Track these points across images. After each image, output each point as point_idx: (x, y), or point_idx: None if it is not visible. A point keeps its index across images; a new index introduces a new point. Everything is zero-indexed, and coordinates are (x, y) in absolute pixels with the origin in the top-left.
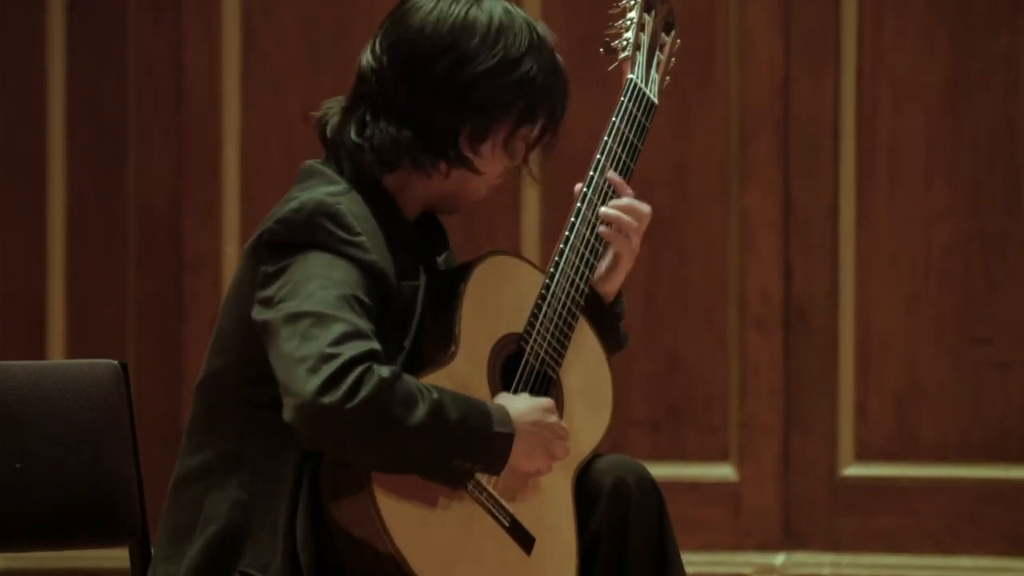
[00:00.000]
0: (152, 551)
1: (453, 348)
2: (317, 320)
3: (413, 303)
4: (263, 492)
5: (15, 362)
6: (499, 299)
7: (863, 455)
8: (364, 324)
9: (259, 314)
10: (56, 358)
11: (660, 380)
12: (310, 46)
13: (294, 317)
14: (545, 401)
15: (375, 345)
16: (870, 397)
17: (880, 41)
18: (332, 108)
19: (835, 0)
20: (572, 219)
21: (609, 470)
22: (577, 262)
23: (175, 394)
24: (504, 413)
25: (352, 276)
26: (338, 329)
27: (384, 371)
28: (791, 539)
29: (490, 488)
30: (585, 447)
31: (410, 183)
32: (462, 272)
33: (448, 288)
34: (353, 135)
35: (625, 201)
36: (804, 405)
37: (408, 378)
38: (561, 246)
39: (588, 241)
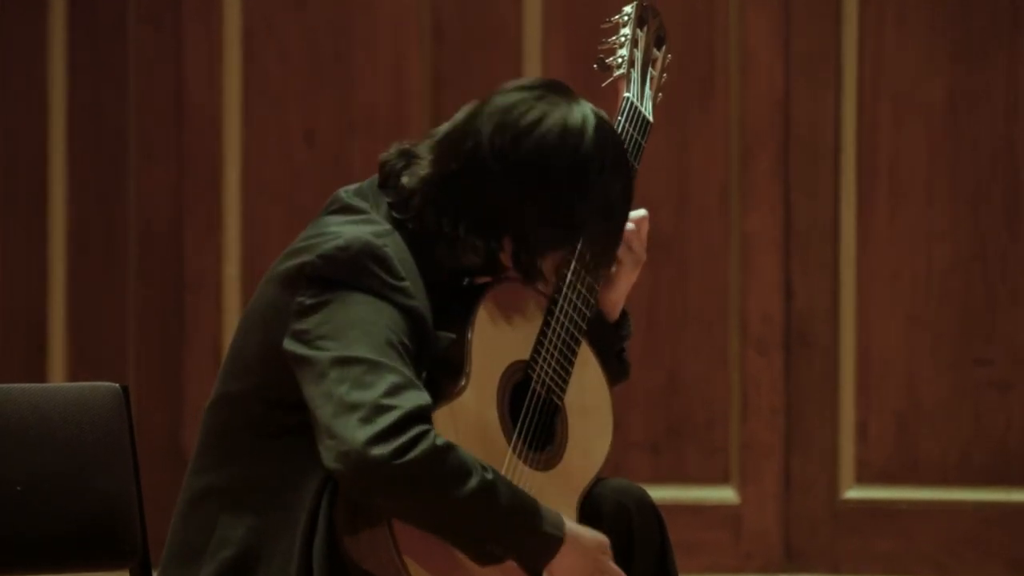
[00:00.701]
0: (156, 571)
1: (464, 382)
2: (370, 368)
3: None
4: (279, 519)
5: (16, 385)
6: (506, 327)
7: (864, 476)
8: (411, 373)
9: (294, 347)
10: (57, 379)
11: (660, 401)
12: (311, 63)
13: (345, 361)
14: (604, 540)
15: (426, 398)
16: (871, 418)
17: (880, 59)
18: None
19: (836, 18)
20: None
21: (610, 494)
22: (579, 285)
23: (176, 415)
24: (559, 520)
25: (396, 322)
26: (391, 379)
27: (440, 440)
28: (792, 561)
29: None
30: (589, 472)
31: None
32: (471, 301)
33: (459, 318)
34: (431, 213)
35: None
36: (805, 426)
37: (464, 452)
38: (563, 270)
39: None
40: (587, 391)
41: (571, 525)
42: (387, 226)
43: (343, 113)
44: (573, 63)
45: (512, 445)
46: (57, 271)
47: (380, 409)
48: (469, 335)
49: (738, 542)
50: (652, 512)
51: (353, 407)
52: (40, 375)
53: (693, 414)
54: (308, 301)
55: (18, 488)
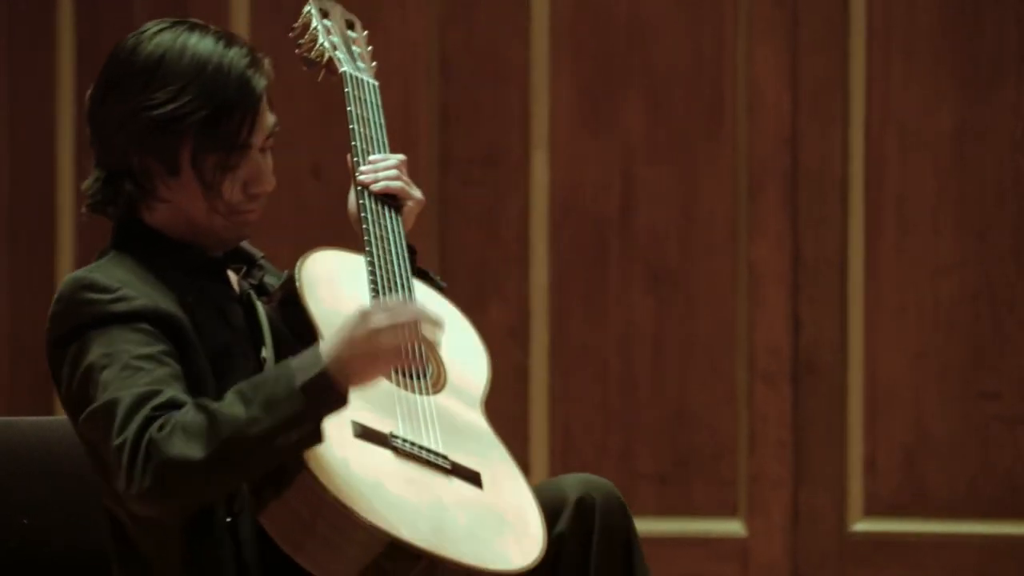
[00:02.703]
0: None
1: (319, 338)
2: (106, 412)
3: (254, 321)
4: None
5: (23, 418)
6: (335, 286)
7: (872, 509)
8: (146, 378)
9: (77, 426)
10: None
11: (668, 433)
12: (318, 96)
13: (91, 417)
14: (360, 313)
15: (154, 388)
16: (879, 450)
17: (888, 92)
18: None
19: (843, 51)
20: (361, 202)
21: (575, 485)
22: (385, 225)
23: None
24: (310, 359)
25: (126, 336)
26: (120, 412)
27: (156, 432)
28: None
29: (419, 442)
30: (475, 384)
31: (177, 217)
32: (290, 278)
33: (284, 295)
34: (111, 190)
35: (377, 158)
36: (813, 458)
37: (185, 412)
38: (364, 224)
39: (381, 208)
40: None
41: (322, 347)
42: (104, 258)
43: (350, 147)
44: (581, 97)
45: (395, 382)
46: None
47: (118, 451)
48: (304, 303)
49: (746, 574)
50: (618, 504)
51: (110, 459)
52: (47, 408)
53: (701, 446)
54: (61, 373)
55: (24, 521)
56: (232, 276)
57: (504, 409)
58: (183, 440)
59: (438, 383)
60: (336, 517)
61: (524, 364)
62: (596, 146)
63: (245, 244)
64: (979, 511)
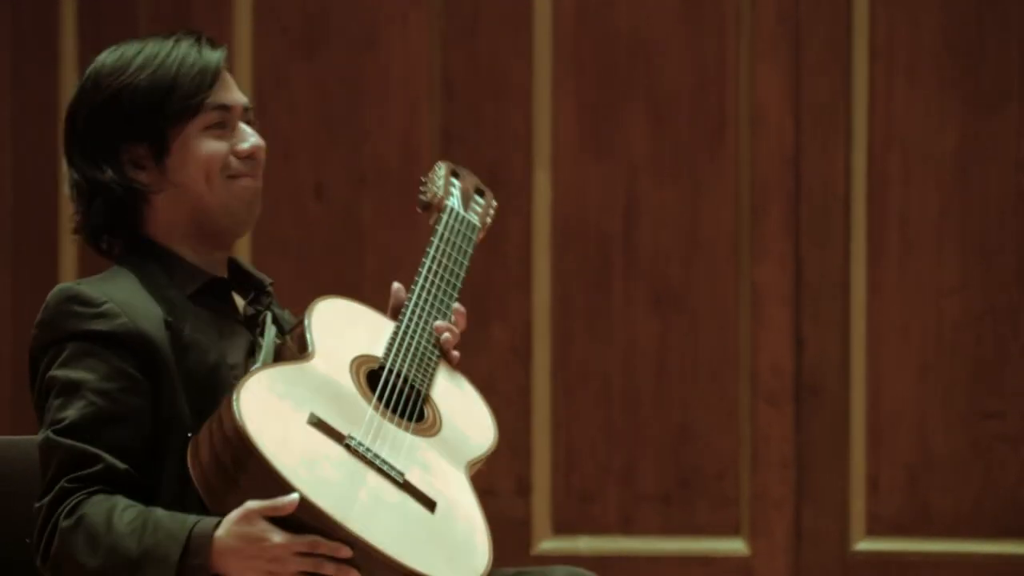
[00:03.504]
0: None
1: (310, 350)
2: (45, 450)
3: (249, 339)
4: None
5: (26, 437)
6: (346, 328)
7: (875, 529)
8: (92, 424)
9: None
10: None
11: (671, 452)
12: (321, 116)
13: (41, 441)
14: (249, 513)
15: (87, 453)
16: (882, 470)
17: (891, 112)
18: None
19: (845, 71)
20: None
21: (562, 574)
22: (432, 299)
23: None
24: (202, 533)
25: (96, 359)
26: (51, 466)
27: (63, 519)
28: None
29: (375, 450)
30: (469, 447)
31: (180, 207)
32: (303, 315)
33: (293, 328)
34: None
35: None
36: (815, 478)
37: (94, 507)
38: (417, 282)
39: (441, 280)
40: (460, 396)
41: (218, 532)
42: (104, 273)
43: (353, 166)
44: (584, 117)
45: (373, 406)
46: None
47: (37, 512)
48: (307, 329)
49: None
50: None
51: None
52: None
53: (704, 466)
54: (35, 378)
55: (27, 540)
56: (238, 300)
57: (507, 428)
58: (83, 542)
59: (426, 430)
60: (262, 476)
61: (527, 384)
62: (599, 166)
63: (254, 270)
64: (982, 530)
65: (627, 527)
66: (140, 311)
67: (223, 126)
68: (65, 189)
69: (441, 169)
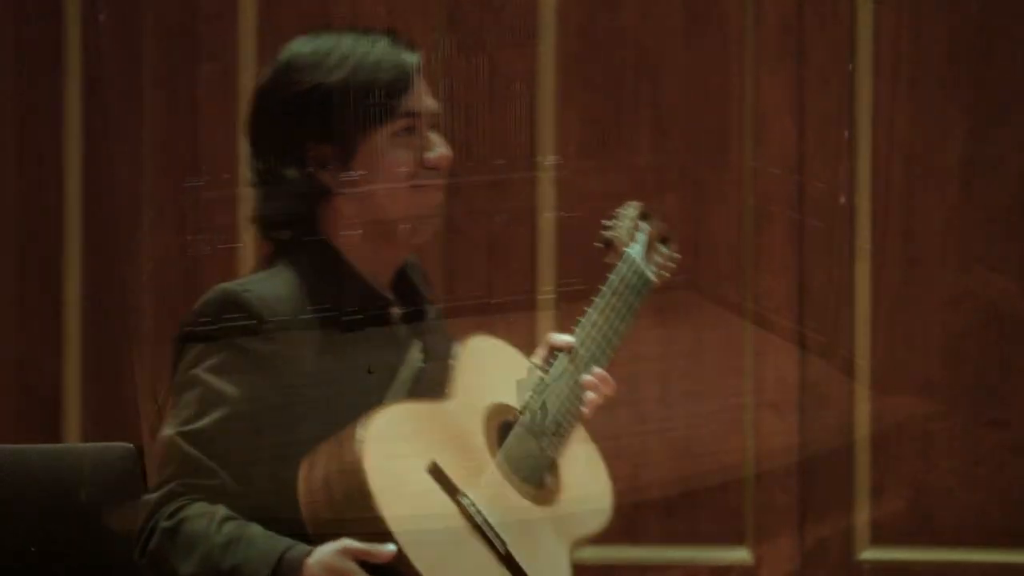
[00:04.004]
0: None
1: (450, 390)
2: (165, 445)
3: (395, 359)
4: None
5: (30, 446)
6: (492, 372)
7: (879, 539)
8: (216, 439)
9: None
10: (71, 440)
11: (675, 462)
12: None
13: (160, 437)
14: (342, 549)
15: (203, 467)
16: (886, 479)
17: (895, 123)
18: None
19: (849, 82)
20: (605, 291)
21: None
22: (587, 353)
23: None
24: (294, 559)
25: (241, 374)
26: (167, 464)
27: (165, 520)
28: None
29: (486, 514)
30: (582, 528)
31: (359, 209)
32: (454, 348)
33: (440, 359)
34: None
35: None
36: (820, 487)
37: (196, 515)
38: (577, 333)
39: (600, 334)
40: (586, 466)
41: (308, 563)
42: (267, 270)
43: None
44: (586, 131)
45: (497, 463)
46: (72, 336)
47: (143, 505)
48: (455, 359)
49: None
50: None
51: (141, 498)
52: (55, 436)
53: (707, 475)
54: (178, 366)
55: (32, 548)
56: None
57: None
58: (179, 546)
59: (543, 499)
60: (367, 515)
61: None
62: (602, 176)
63: (422, 282)
64: (987, 540)
65: (632, 536)
66: (295, 333)
67: (412, 132)
68: (71, 205)
69: (631, 210)
